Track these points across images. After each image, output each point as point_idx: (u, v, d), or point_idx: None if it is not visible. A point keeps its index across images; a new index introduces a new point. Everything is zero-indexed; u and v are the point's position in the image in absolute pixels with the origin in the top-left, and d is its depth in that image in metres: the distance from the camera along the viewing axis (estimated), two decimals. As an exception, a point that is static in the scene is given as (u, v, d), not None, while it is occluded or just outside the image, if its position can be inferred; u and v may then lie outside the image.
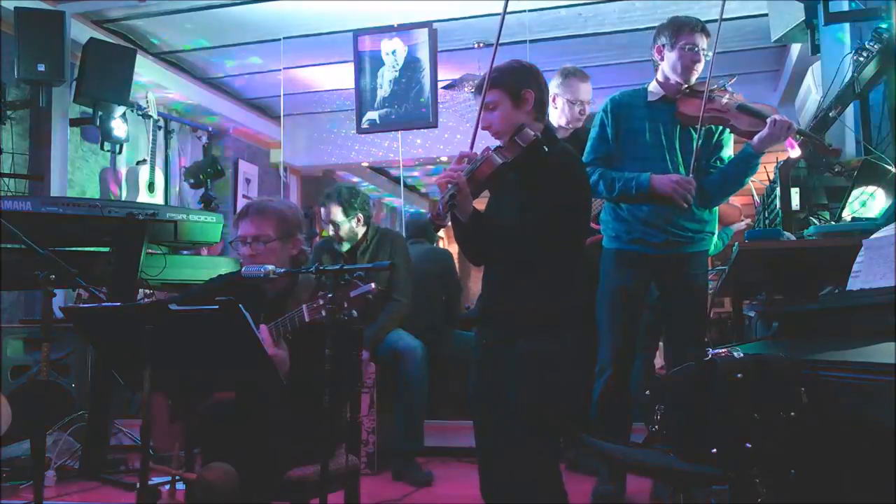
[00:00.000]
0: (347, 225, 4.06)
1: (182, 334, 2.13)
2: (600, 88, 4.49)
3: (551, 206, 2.26)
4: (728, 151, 3.19)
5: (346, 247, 4.10)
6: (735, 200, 4.48)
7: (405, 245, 4.39)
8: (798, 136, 3.00)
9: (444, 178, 2.21)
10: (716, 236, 3.35)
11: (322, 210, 4.13)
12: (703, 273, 3.25)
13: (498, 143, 2.35)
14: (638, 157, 3.10)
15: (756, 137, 2.98)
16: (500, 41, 2.51)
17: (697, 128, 3.05)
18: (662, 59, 3.15)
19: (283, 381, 2.26)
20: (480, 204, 2.29)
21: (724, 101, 3.07)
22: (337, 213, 4.05)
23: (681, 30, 3.07)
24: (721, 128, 3.14)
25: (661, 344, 3.59)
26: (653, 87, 3.20)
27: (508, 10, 2.61)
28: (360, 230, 4.11)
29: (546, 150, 2.29)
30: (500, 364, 2.31)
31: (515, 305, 2.31)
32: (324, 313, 2.23)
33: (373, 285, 2.29)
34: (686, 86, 3.10)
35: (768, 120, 2.95)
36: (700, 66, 3.10)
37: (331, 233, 4.14)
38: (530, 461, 2.27)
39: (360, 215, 4.09)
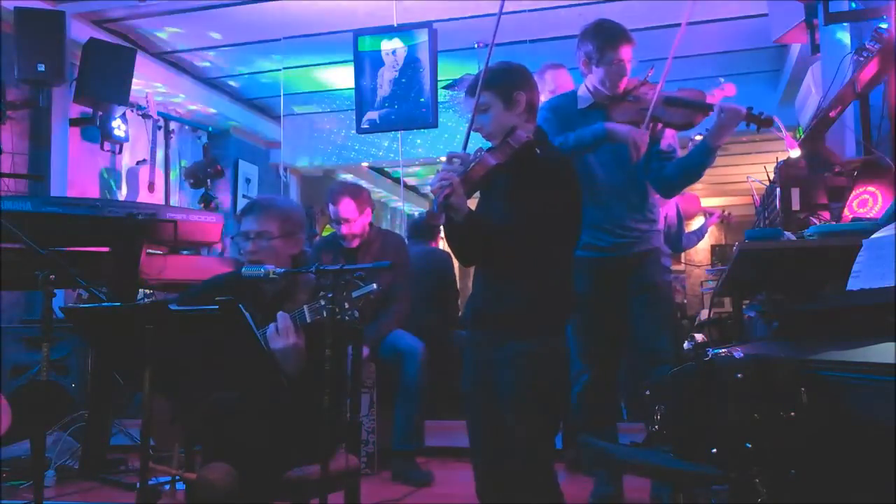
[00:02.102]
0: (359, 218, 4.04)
1: (182, 334, 2.13)
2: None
3: (543, 208, 2.25)
4: (666, 142, 3.14)
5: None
6: (729, 200, 4.47)
7: (406, 247, 4.40)
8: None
9: (437, 183, 2.18)
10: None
11: (334, 205, 4.07)
12: (659, 271, 3.23)
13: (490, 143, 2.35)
14: (579, 161, 3.04)
15: (709, 134, 2.94)
16: (500, 41, 2.49)
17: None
18: (590, 72, 3.09)
19: (285, 380, 2.26)
20: (472, 204, 2.28)
21: (652, 99, 2.99)
22: (350, 207, 4.03)
23: (607, 46, 3.00)
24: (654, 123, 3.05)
25: None
26: (582, 92, 3.17)
27: (508, 10, 2.59)
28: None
29: (538, 152, 2.29)
30: (492, 365, 2.30)
31: (506, 307, 2.30)
32: (325, 314, 2.23)
33: (374, 286, 2.29)
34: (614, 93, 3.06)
35: (716, 108, 2.90)
36: (627, 75, 3.05)
37: (338, 229, 4.10)
38: (524, 462, 2.26)
39: (368, 209, 4.11)
